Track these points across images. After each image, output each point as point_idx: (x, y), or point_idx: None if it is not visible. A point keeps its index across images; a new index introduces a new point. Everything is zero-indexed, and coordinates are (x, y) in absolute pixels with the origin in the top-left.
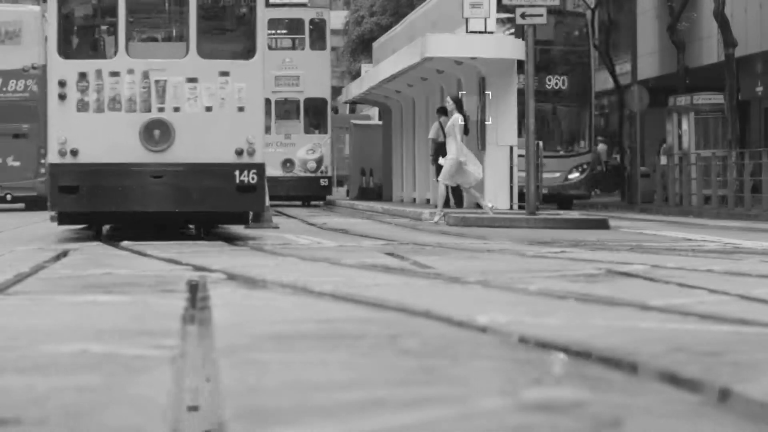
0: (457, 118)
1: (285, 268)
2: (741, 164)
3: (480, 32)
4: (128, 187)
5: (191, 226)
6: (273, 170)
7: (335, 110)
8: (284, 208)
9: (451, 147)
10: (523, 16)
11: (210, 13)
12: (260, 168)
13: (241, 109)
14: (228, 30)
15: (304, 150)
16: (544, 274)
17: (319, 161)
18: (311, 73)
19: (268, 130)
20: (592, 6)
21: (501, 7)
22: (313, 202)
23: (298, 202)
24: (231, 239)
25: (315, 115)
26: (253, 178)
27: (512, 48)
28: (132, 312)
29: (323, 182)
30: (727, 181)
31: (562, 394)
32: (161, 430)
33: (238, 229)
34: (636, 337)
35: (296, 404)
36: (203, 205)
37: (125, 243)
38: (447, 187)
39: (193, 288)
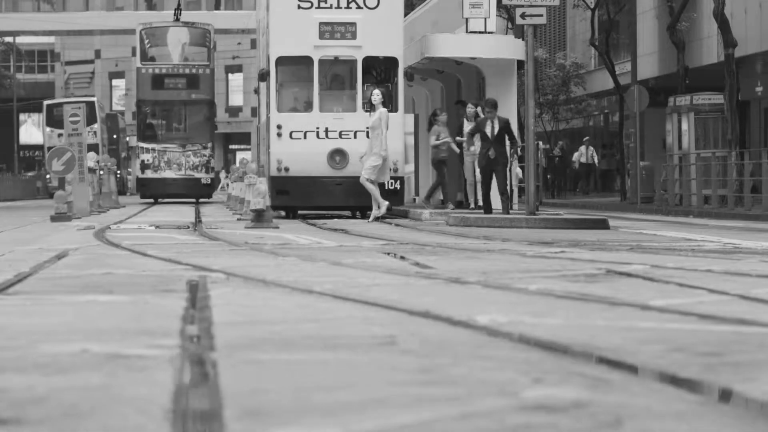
0: (383, 113)
1: (285, 268)
2: (741, 164)
3: (480, 32)
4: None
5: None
6: (315, 167)
7: (409, 76)
8: (317, 219)
9: (377, 142)
10: (523, 16)
11: None
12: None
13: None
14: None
15: (364, 136)
16: (544, 274)
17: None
18: (374, 18)
19: (309, 106)
20: (592, 6)
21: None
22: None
23: (347, 213)
24: (232, 240)
25: (380, 83)
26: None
27: (512, 48)
28: (132, 312)
29: (390, 185)
30: (727, 181)
31: (562, 394)
32: (162, 430)
33: (238, 229)
34: (636, 337)
35: (296, 404)
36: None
37: (126, 243)
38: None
39: (193, 288)
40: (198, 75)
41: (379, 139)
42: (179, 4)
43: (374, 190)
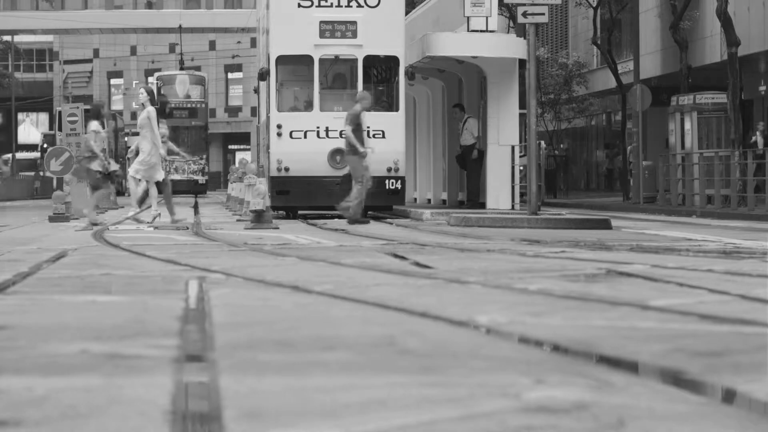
0: (151, 111)
1: (285, 268)
2: (744, 164)
3: (481, 31)
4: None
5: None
6: (315, 167)
7: (410, 75)
8: (316, 220)
9: (145, 142)
10: (525, 14)
11: None
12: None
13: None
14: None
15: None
16: (545, 274)
17: (386, 153)
18: (375, 17)
19: (309, 106)
20: (594, 5)
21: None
22: (372, 213)
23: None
24: (232, 240)
25: (380, 82)
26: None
27: (514, 47)
28: (132, 312)
29: (391, 184)
30: (730, 180)
31: (564, 395)
32: (161, 431)
33: (237, 230)
34: (637, 337)
35: (296, 405)
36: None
37: (125, 244)
38: (142, 182)
39: (193, 288)
40: (196, 109)
41: (147, 140)
42: (182, 60)
43: (135, 191)
